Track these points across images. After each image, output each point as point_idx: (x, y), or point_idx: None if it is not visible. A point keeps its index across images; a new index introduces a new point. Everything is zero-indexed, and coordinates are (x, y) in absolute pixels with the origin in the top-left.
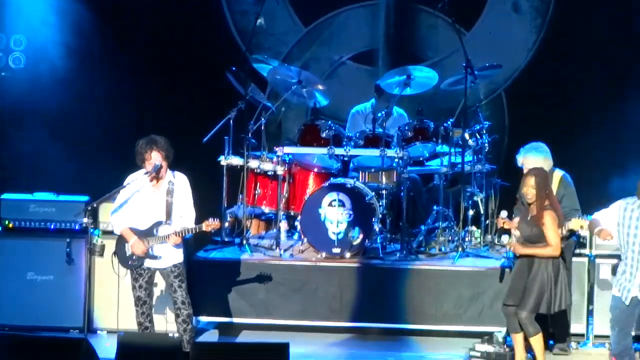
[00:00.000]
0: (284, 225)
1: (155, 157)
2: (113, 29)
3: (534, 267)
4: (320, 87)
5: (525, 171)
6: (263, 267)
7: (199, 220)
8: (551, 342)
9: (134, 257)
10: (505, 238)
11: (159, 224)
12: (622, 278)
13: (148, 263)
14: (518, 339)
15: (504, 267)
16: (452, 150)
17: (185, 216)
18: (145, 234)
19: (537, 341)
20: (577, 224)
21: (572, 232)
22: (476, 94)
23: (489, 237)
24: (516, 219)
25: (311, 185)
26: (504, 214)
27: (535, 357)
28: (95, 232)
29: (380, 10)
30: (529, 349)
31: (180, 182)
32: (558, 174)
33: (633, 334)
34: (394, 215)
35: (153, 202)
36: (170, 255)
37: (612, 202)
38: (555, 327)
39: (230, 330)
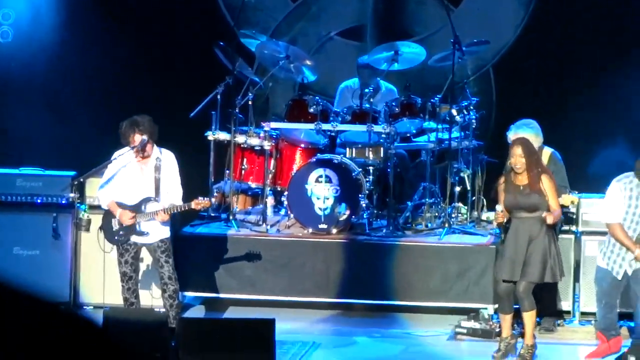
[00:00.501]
0: (270, 200)
1: (137, 140)
2: (101, 4)
3: (534, 237)
4: (308, 62)
5: None
6: (249, 242)
7: (186, 196)
8: (538, 319)
9: (121, 233)
10: (499, 207)
11: (147, 200)
12: (615, 253)
13: (135, 238)
14: (507, 319)
15: (495, 243)
16: (440, 126)
17: (172, 193)
18: (133, 210)
19: (530, 317)
20: (568, 199)
21: (562, 208)
22: (464, 70)
23: (475, 213)
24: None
25: (298, 161)
26: (499, 207)
27: (524, 333)
28: (81, 206)
29: None
30: (515, 326)
31: (168, 159)
32: (547, 151)
33: (621, 310)
34: (380, 191)
35: (141, 179)
36: (157, 231)
37: (601, 179)
38: (542, 304)
39: (216, 305)
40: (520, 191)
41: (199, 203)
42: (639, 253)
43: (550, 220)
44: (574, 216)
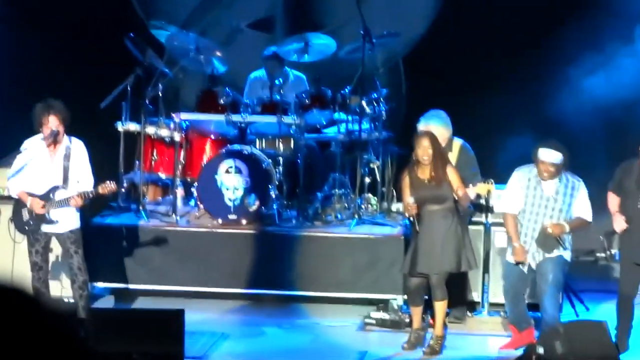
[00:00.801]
0: (180, 191)
1: (52, 121)
2: None
3: (448, 227)
4: (218, 53)
5: None
6: (159, 233)
7: (96, 185)
8: (447, 310)
9: (31, 222)
10: (410, 199)
11: (55, 188)
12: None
13: (45, 228)
14: (417, 311)
15: (406, 235)
16: (350, 117)
17: (83, 181)
18: (42, 199)
19: (442, 307)
20: (484, 188)
21: (478, 197)
22: (374, 61)
23: (385, 204)
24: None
25: (208, 152)
26: (411, 200)
27: (433, 323)
28: None
29: None
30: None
31: (77, 147)
32: (457, 142)
33: (528, 301)
34: (290, 182)
35: (50, 167)
36: (67, 220)
37: (510, 170)
38: (451, 295)
39: (126, 296)
40: (427, 184)
41: (105, 187)
42: (517, 246)
43: (462, 192)
44: (481, 202)
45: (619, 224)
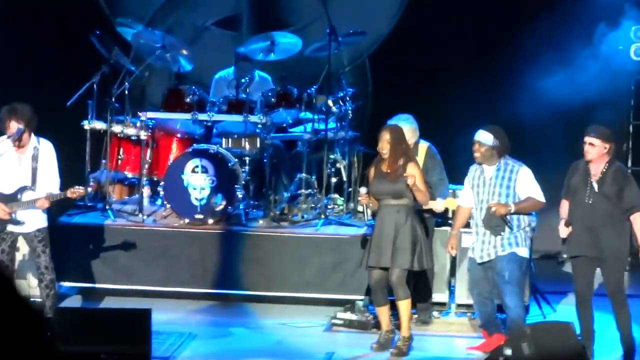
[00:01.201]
0: (146, 190)
1: (14, 127)
2: None
3: (402, 223)
4: (184, 52)
5: None
6: (126, 232)
7: (63, 186)
8: (413, 311)
9: None
10: (363, 189)
11: (23, 189)
12: (476, 239)
13: (11, 228)
14: (383, 312)
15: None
16: (316, 116)
17: (49, 182)
18: (9, 199)
19: (405, 306)
20: (454, 203)
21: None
22: (340, 60)
23: (351, 204)
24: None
25: (174, 151)
26: (363, 190)
27: (400, 324)
28: None
29: None
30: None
31: (45, 148)
32: (424, 145)
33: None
34: (257, 181)
35: (18, 168)
36: (34, 220)
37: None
38: (417, 296)
39: (93, 295)
40: (385, 178)
41: (74, 192)
42: (452, 233)
43: (410, 181)
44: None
45: (562, 230)
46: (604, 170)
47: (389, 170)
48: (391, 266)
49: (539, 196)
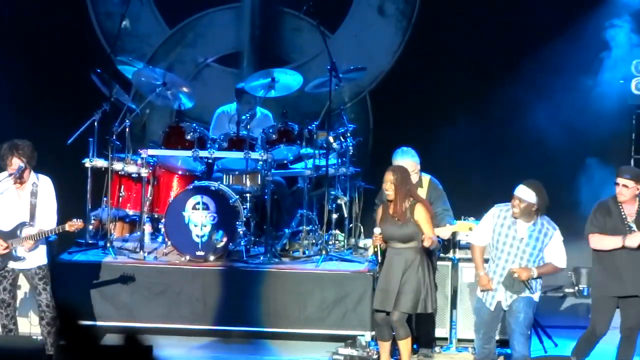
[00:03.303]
0: (148, 227)
1: (15, 163)
2: None
3: (408, 267)
4: (185, 89)
5: None
6: (127, 269)
7: (63, 221)
8: (415, 346)
9: None
10: (377, 230)
11: (22, 225)
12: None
13: (12, 264)
14: (386, 346)
15: (372, 270)
16: (317, 153)
17: (44, 218)
18: (9, 235)
19: (406, 344)
20: (464, 226)
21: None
22: (341, 96)
23: (352, 240)
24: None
25: (175, 188)
26: (377, 230)
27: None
28: None
29: (245, 13)
30: (393, 353)
31: (44, 185)
32: (426, 177)
33: (497, 337)
34: (258, 218)
35: (17, 204)
36: (34, 257)
37: (477, 204)
38: (419, 331)
39: (94, 333)
40: (392, 221)
41: (73, 225)
42: (481, 275)
43: (427, 243)
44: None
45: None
46: (638, 209)
47: (395, 215)
48: (393, 308)
49: (562, 263)
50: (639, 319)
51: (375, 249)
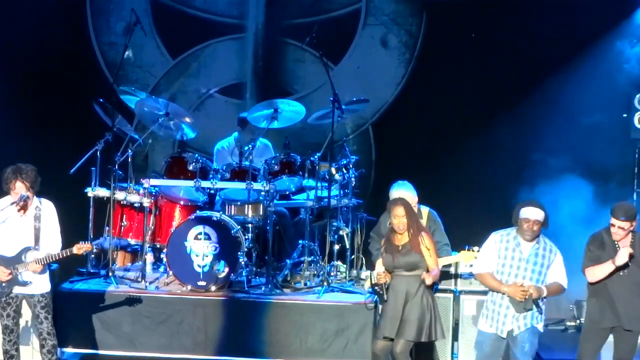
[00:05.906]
0: (149, 257)
1: (19, 187)
2: None
3: (412, 295)
4: (187, 119)
5: None
6: (128, 299)
7: (67, 247)
8: None
9: (3, 285)
10: (380, 268)
11: (27, 249)
12: (495, 311)
13: (17, 290)
14: None
15: (376, 302)
16: (319, 184)
17: (50, 242)
18: (13, 261)
19: None
20: (468, 256)
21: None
22: (343, 128)
23: (354, 271)
24: (379, 261)
25: (177, 218)
26: (380, 268)
27: None
28: None
29: (248, 44)
30: None
31: (47, 208)
32: (425, 210)
33: None
34: (259, 248)
35: (21, 229)
36: (38, 282)
37: (478, 235)
38: None
39: None
40: (399, 250)
41: (81, 247)
42: (510, 287)
43: (429, 281)
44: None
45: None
46: (632, 242)
47: (403, 243)
48: (396, 337)
49: (565, 282)
50: (630, 355)
51: (375, 286)
